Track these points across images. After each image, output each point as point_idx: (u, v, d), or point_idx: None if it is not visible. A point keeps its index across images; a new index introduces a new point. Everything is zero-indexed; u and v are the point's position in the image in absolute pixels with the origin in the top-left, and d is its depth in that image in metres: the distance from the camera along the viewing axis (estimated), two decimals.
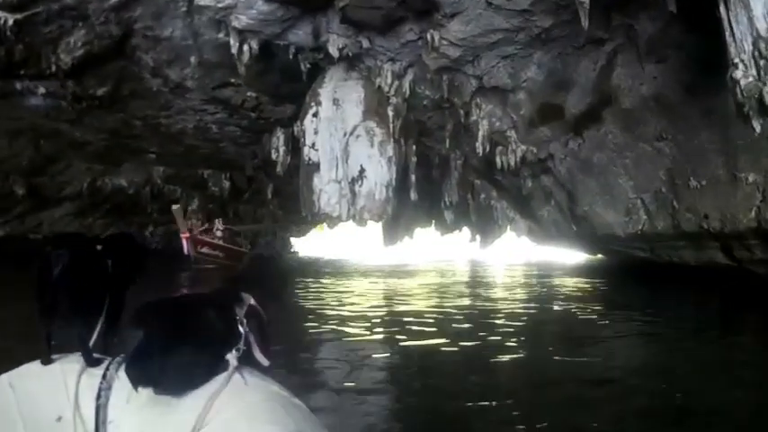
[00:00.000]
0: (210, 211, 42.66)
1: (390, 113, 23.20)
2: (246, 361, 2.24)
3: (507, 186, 29.63)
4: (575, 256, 45.85)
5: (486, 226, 36.11)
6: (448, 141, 26.74)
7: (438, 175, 31.70)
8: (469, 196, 32.69)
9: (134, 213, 39.50)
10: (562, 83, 21.96)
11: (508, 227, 35.81)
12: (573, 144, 23.57)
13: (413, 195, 27.16)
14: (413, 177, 26.43)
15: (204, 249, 39.30)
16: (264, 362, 2.31)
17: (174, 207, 32.52)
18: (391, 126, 23.08)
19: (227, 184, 40.73)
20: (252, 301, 2.41)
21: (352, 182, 22.25)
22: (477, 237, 42.83)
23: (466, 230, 43.33)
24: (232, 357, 2.17)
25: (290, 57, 22.10)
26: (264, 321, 2.42)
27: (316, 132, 22.76)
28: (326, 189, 22.45)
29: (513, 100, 23.25)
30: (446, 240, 48.94)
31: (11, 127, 28.82)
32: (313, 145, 22.77)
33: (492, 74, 22.12)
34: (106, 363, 2.32)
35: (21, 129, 29.26)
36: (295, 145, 25.16)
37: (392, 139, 22.78)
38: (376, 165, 22.27)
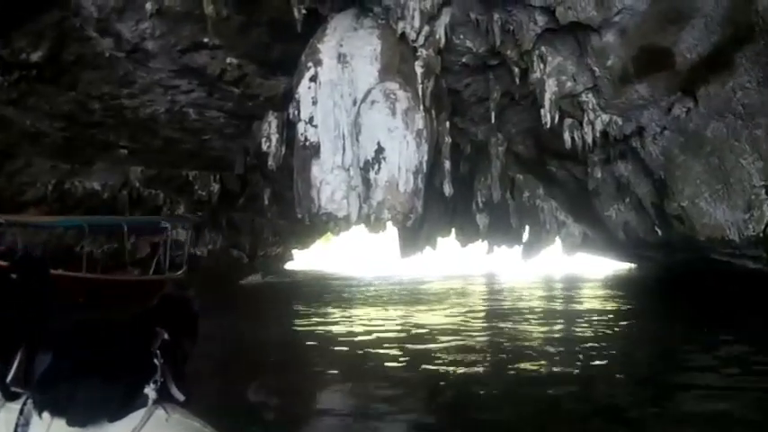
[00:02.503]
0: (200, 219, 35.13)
1: (419, 70, 16.52)
2: (164, 395, 2.17)
3: (562, 180, 23.47)
4: (603, 266, 39.69)
5: (530, 232, 28.32)
6: (493, 116, 19.62)
7: (467, 168, 24.30)
8: (508, 195, 25.14)
9: None
10: (675, 12, 14.89)
11: (561, 232, 27.95)
12: (678, 109, 16.56)
13: (447, 189, 19.69)
14: (447, 164, 19.13)
15: None
16: (180, 397, 2.23)
17: None
18: (420, 88, 16.37)
19: (216, 187, 33.71)
20: (166, 336, 2.34)
21: (366, 167, 15.72)
22: (496, 247, 35.50)
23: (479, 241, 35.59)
24: (151, 391, 2.11)
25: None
26: (179, 356, 2.40)
27: (314, 102, 16.22)
28: (329, 179, 15.91)
29: (596, 44, 16.21)
30: (463, 252, 40.96)
31: None
32: (311, 120, 16.26)
33: (570, 1, 14.83)
34: (24, 398, 2.14)
35: None
36: (291, 131, 18.48)
37: (421, 107, 15.99)
38: (399, 141, 15.62)
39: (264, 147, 20.84)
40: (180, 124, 24.76)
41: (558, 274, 44.11)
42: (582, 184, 22.12)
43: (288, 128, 19.38)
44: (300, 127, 16.25)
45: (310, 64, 16.32)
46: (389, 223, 16.26)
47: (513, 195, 25.36)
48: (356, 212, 15.56)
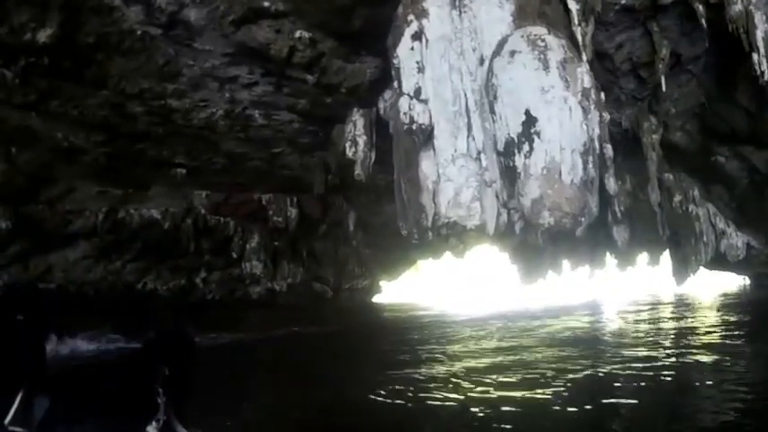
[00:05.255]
0: (276, 249, 30.72)
1: (574, 7, 11.22)
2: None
3: (731, 175, 18.81)
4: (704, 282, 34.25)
5: (679, 246, 22.48)
6: (663, 83, 14.32)
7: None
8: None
9: (177, 255, 29.26)
10: None
11: (720, 244, 22.25)
12: None
13: (611, 186, 14.37)
14: (608, 150, 13.57)
15: None
16: None
17: None
18: (578, 32, 11.14)
19: (293, 212, 29.39)
20: (167, 372, 2.50)
21: (509, 150, 10.05)
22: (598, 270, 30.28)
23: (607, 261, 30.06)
24: (152, 429, 2.30)
25: None
26: (181, 390, 2.53)
27: (420, 68, 11.05)
28: (451, 174, 10.64)
29: None
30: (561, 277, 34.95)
31: None
32: (417, 93, 11.02)
33: None
34: None
35: None
36: (381, 131, 14.49)
37: (584, 57, 10.88)
38: (559, 107, 9.91)
39: (350, 153, 16.29)
40: (244, 133, 19.98)
41: (666, 296, 38.83)
42: (760, 178, 17.70)
43: (378, 127, 15.28)
44: (402, 104, 11.04)
45: (411, 17, 11.16)
46: (547, 232, 10.75)
47: (662, 199, 19.99)
48: (493, 218, 10.35)
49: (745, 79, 13.66)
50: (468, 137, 10.57)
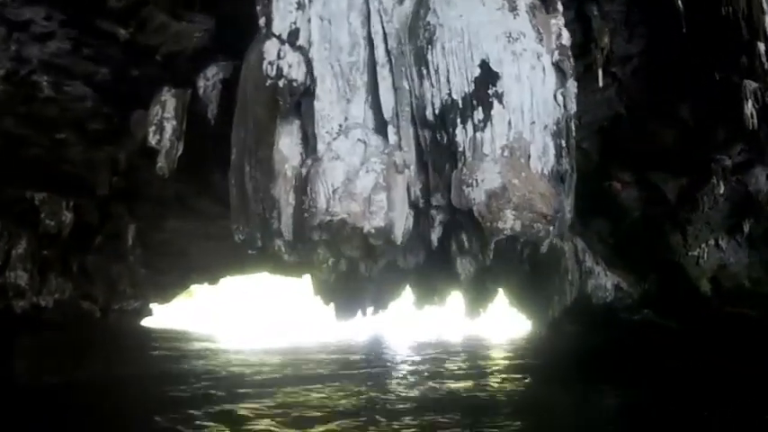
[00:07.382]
0: (45, 259, 26.63)
1: None
2: None
3: (623, 205, 16.95)
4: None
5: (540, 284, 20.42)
6: (600, 77, 11.83)
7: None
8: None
9: None
10: None
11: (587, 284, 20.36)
12: None
13: None
14: None
15: None
16: None
17: None
18: None
19: (68, 217, 24.53)
20: None
21: (446, 118, 6.75)
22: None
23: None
24: None
25: None
26: None
27: (302, 3, 7.54)
28: (339, 149, 7.10)
29: None
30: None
31: None
32: (292, 36, 7.51)
33: None
34: None
35: None
36: (195, 118, 12.37)
37: (560, 6, 7.59)
38: (531, 66, 6.72)
39: (152, 140, 12.95)
40: (27, 107, 15.60)
41: (453, 337, 36.58)
42: (659, 210, 15.78)
43: (189, 111, 12.62)
44: (269, 50, 7.53)
45: None
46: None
47: None
48: (403, 219, 7.04)
49: (702, 84, 11.23)
50: (366, 100, 7.30)
